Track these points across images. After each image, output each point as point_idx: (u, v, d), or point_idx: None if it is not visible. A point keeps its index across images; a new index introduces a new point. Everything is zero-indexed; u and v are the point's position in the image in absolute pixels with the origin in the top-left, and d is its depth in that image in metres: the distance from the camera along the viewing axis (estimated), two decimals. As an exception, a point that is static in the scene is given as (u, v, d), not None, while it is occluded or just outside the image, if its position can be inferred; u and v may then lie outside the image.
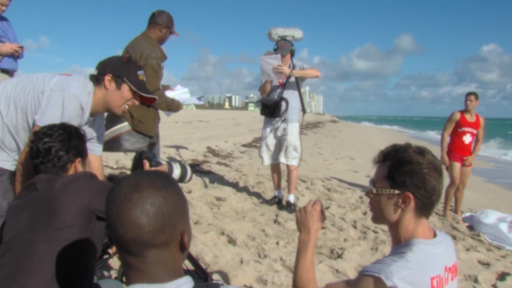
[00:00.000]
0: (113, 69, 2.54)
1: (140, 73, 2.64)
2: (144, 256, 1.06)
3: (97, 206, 1.87)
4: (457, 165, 6.56)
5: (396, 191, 1.57)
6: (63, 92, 2.44)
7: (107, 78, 2.54)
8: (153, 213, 1.04)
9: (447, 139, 6.68)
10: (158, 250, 1.07)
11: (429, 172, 1.55)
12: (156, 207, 1.05)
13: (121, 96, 2.60)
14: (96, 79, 2.56)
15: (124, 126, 3.95)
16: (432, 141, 27.27)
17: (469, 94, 6.51)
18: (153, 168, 2.37)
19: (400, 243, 1.60)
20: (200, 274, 1.98)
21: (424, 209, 1.57)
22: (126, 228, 1.04)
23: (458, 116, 6.52)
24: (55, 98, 2.42)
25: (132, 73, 2.58)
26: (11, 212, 1.92)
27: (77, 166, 2.06)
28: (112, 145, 3.85)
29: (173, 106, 4.36)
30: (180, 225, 1.10)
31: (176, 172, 2.49)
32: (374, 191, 1.62)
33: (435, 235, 1.63)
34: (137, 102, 2.68)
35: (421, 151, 1.58)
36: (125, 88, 2.58)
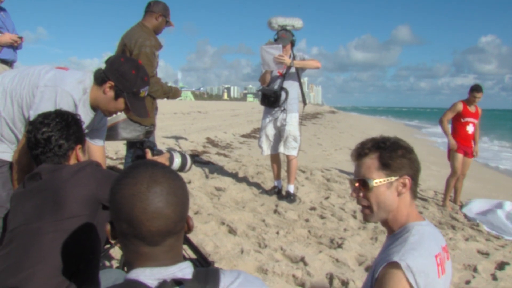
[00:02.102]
0: (118, 79, 2.46)
1: (144, 90, 2.55)
2: (162, 244, 1.09)
3: (104, 195, 1.86)
4: (460, 156, 6.57)
5: (394, 178, 1.60)
6: (56, 88, 2.43)
7: (108, 85, 2.48)
8: (176, 202, 1.09)
9: (447, 125, 6.70)
10: (176, 237, 1.12)
11: (412, 153, 1.64)
12: (178, 197, 1.10)
13: (114, 106, 2.56)
14: (100, 79, 2.50)
15: (120, 114, 3.94)
16: (428, 132, 27.27)
17: (478, 91, 6.45)
18: (155, 157, 2.36)
19: (396, 231, 1.63)
20: (203, 263, 1.99)
21: (415, 188, 1.65)
22: (152, 220, 1.06)
23: (461, 107, 6.52)
24: (48, 95, 2.42)
25: (135, 89, 2.50)
26: (15, 200, 1.91)
27: (78, 153, 2.05)
28: (109, 133, 3.84)
29: (171, 93, 4.36)
30: (188, 210, 1.17)
31: (177, 161, 2.49)
32: (374, 184, 1.60)
33: (423, 218, 1.68)
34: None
35: (397, 138, 1.68)
36: (121, 101, 2.52)
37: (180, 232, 1.13)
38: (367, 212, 1.66)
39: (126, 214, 1.07)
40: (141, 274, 1.08)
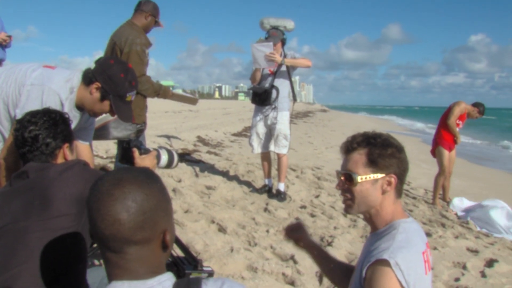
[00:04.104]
0: (106, 81, 2.44)
1: (130, 94, 2.54)
2: (124, 252, 1.05)
3: None
4: (446, 153, 6.64)
5: (380, 175, 1.59)
6: (42, 87, 2.41)
7: (95, 86, 2.46)
8: (134, 209, 1.04)
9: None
10: (138, 247, 1.06)
11: (402, 152, 1.63)
12: (138, 203, 1.04)
13: (100, 107, 2.55)
14: (88, 79, 2.49)
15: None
16: (419, 130, 27.38)
17: (482, 114, 6.76)
18: (143, 156, 2.36)
19: (380, 228, 1.63)
20: (191, 261, 1.97)
21: (401, 187, 1.64)
22: (106, 223, 1.03)
23: (464, 108, 6.66)
24: (35, 93, 2.40)
25: (122, 93, 2.49)
26: (1, 199, 1.88)
27: (65, 152, 2.03)
28: (100, 133, 3.81)
29: (161, 92, 4.35)
30: (162, 222, 1.10)
31: (164, 158, 2.49)
32: (359, 179, 1.60)
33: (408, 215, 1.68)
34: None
35: (388, 135, 1.67)
36: (107, 103, 2.51)
37: (146, 243, 1.07)
38: (349, 204, 1.67)
39: (88, 213, 1.06)
40: None
